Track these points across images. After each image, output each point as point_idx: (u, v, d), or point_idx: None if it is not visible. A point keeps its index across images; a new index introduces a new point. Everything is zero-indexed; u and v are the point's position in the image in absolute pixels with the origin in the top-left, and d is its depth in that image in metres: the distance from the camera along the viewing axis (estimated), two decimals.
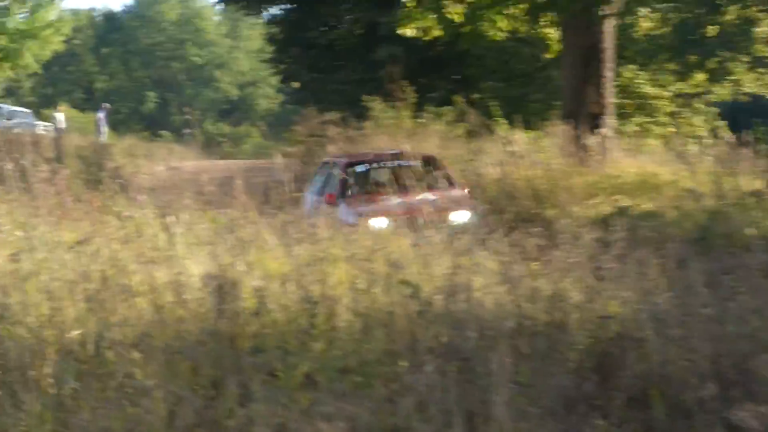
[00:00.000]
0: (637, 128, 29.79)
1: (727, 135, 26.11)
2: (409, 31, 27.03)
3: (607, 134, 24.31)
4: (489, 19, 26.44)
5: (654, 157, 24.68)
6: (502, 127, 25.05)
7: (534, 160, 22.14)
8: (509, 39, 29.56)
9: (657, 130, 30.21)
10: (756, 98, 28.93)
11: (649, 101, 30.59)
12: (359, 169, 19.77)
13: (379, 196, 18.34)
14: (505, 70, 33.11)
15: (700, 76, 27.01)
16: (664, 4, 21.99)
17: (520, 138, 23.72)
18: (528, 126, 25.62)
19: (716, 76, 26.24)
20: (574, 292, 8.74)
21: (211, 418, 7.29)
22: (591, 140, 22.92)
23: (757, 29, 22.57)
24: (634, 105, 30.16)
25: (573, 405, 7.35)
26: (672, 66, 25.39)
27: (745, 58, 25.67)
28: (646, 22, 26.42)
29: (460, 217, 16.79)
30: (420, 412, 7.12)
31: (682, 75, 25.82)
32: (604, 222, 15.06)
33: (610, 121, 25.42)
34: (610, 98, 25.74)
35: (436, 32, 26.95)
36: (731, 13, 21.25)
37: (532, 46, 31.64)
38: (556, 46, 29.01)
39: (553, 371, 7.63)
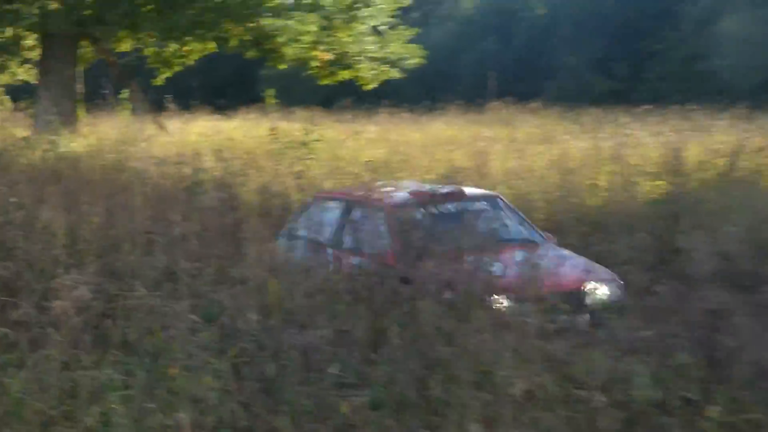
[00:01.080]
0: None
1: (10, 105, 28.00)
2: None
3: None
4: None
5: None
6: None
7: None
8: None
9: None
10: (28, 84, 30.50)
11: None
12: (416, 213, 9.05)
13: (458, 255, 7.55)
14: None
15: None
16: None
17: None
18: None
19: (1, 70, 27.84)
20: None
21: None
22: None
23: (26, 42, 24.60)
24: None
25: None
26: None
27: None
28: None
29: (602, 291, 8.54)
30: None
31: None
32: None
33: None
34: None
35: None
36: (9, 32, 23.00)
37: None
38: None
39: None
